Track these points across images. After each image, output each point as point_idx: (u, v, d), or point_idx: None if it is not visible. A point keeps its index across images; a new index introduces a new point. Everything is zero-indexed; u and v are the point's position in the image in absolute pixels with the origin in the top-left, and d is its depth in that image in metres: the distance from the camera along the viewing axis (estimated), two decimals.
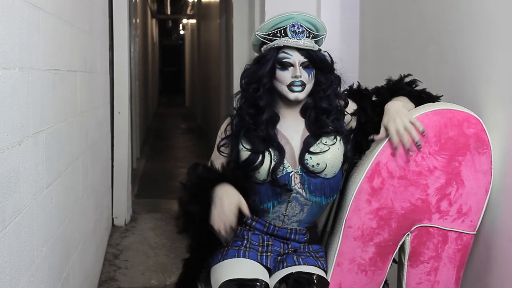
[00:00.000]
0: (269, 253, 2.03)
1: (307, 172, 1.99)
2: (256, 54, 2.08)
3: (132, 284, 3.70)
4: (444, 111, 1.93)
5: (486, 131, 1.91)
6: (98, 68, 3.80)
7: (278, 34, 1.97)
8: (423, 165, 1.91)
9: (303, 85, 1.96)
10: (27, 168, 1.91)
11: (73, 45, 2.81)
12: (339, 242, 1.99)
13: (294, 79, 1.95)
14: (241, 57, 4.92)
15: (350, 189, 1.99)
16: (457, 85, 2.15)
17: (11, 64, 1.75)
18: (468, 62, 2.07)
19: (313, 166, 1.98)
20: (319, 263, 2.02)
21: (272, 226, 2.06)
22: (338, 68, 2.05)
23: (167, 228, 4.85)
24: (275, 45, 1.97)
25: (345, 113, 2.06)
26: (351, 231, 1.98)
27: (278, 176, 1.97)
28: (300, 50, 1.96)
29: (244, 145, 2.01)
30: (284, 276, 1.95)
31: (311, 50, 1.96)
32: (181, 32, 22.88)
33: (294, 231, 2.07)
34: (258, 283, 1.90)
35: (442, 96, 2.05)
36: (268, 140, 1.98)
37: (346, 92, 2.11)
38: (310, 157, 1.98)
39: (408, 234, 1.97)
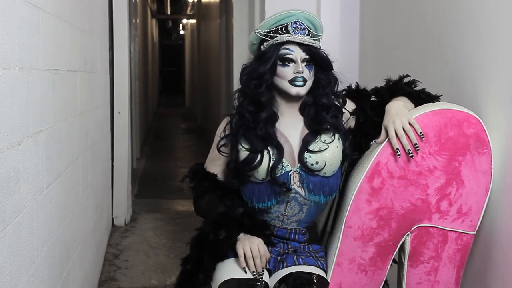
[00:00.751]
0: (269, 254, 2.02)
1: (306, 170, 1.99)
2: (251, 55, 2.08)
3: (132, 284, 3.70)
4: (444, 111, 1.93)
5: (486, 131, 1.91)
6: (98, 68, 3.80)
7: (280, 31, 1.97)
8: (423, 165, 1.91)
9: (304, 81, 1.97)
10: (27, 168, 1.91)
11: (73, 45, 2.81)
12: (339, 242, 1.99)
13: (296, 75, 1.96)
14: (241, 57, 4.92)
15: (350, 189, 1.99)
16: (457, 85, 2.15)
17: (11, 64, 1.75)
18: (468, 62, 2.07)
19: (312, 164, 1.98)
20: (319, 263, 2.02)
21: (271, 226, 2.06)
22: (336, 68, 2.05)
23: (167, 228, 4.85)
24: (277, 41, 1.97)
25: (344, 110, 2.06)
26: (351, 231, 1.98)
27: (277, 175, 1.97)
28: (301, 46, 1.96)
29: (243, 145, 2.01)
30: (284, 276, 1.95)
31: (312, 46, 1.97)
32: (181, 32, 22.88)
33: (293, 231, 2.07)
34: (258, 283, 1.90)
35: (441, 95, 2.05)
36: (267, 138, 1.98)
37: (344, 92, 2.11)
38: (309, 156, 1.98)
39: (408, 234, 1.97)
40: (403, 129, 1.89)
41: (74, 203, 2.79)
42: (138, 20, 8.47)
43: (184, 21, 19.68)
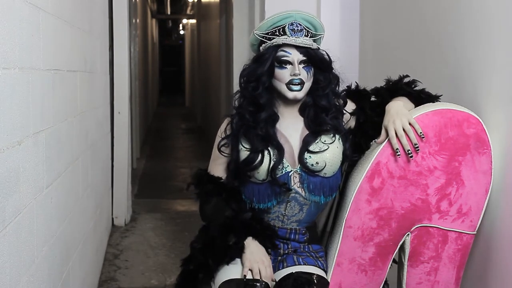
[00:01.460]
0: (269, 254, 2.02)
1: (306, 171, 1.99)
2: (254, 54, 2.08)
3: (132, 284, 3.70)
4: (444, 111, 1.93)
5: (486, 131, 1.91)
6: (98, 68, 3.80)
7: (277, 33, 1.97)
8: (423, 165, 1.91)
9: (302, 83, 1.96)
10: (27, 168, 1.91)
11: (73, 45, 2.81)
12: (339, 242, 1.99)
13: (293, 77, 1.95)
14: (241, 57, 4.92)
15: (350, 189, 1.99)
16: (457, 85, 2.15)
17: (11, 64, 1.75)
18: (468, 62, 2.07)
19: (312, 165, 1.98)
20: (319, 263, 2.02)
21: (271, 226, 2.06)
22: (337, 67, 2.05)
23: (167, 228, 4.85)
24: (274, 43, 1.97)
25: (344, 111, 2.06)
26: (351, 231, 1.98)
27: (278, 176, 1.97)
28: (298, 48, 1.96)
29: (244, 145, 2.01)
30: (284, 276, 1.95)
31: (310, 48, 1.96)
32: (181, 32, 22.87)
33: (293, 231, 2.07)
34: (258, 283, 1.90)
35: (441, 95, 2.05)
36: (267, 139, 1.98)
37: (344, 92, 2.11)
38: (310, 156, 1.98)
39: (408, 234, 1.97)
40: (403, 129, 1.89)
41: (74, 203, 2.79)
42: (138, 20, 8.47)
43: (184, 21, 19.68)
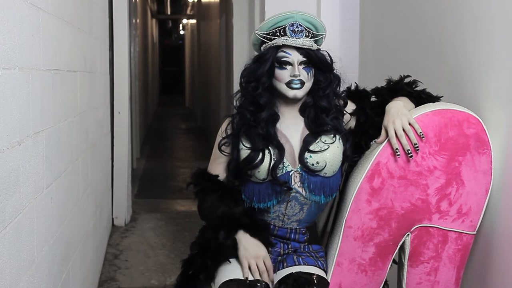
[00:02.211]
0: (269, 254, 2.02)
1: (307, 170, 1.99)
2: (257, 53, 2.08)
3: (132, 284, 3.70)
4: (444, 111, 1.93)
5: (486, 131, 1.91)
6: (98, 68, 3.80)
7: (277, 33, 1.97)
8: (423, 165, 1.91)
9: (302, 83, 1.97)
10: (27, 168, 1.91)
11: (73, 45, 2.81)
12: (339, 242, 1.99)
13: (293, 78, 1.96)
14: (241, 57, 4.92)
15: (350, 189, 1.99)
16: (457, 85, 2.15)
17: (11, 64, 1.75)
18: (468, 62, 2.08)
19: (313, 164, 1.98)
20: (319, 263, 2.02)
21: (272, 226, 2.06)
22: (338, 68, 2.05)
23: (167, 228, 4.85)
24: (274, 44, 1.97)
25: (345, 112, 2.06)
26: (351, 231, 1.98)
27: (278, 175, 1.97)
28: (299, 49, 1.96)
29: (244, 144, 2.01)
30: (284, 276, 1.95)
31: (310, 49, 1.97)
32: (181, 32, 22.88)
33: (294, 230, 2.07)
34: (258, 283, 1.90)
35: (442, 96, 2.05)
36: (268, 138, 1.99)
37: (344, 93, 2.11)
38: (310, 156, 1.98)
39: (408, 234, 1.97)
40: (403, 129, 1.89)
41: (74, 203, 2.79)
42: (138, 20, 8.47)
43: (184, 21, 19.68)
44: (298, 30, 1.96)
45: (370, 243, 1.97)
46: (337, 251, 2.00)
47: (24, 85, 1.89)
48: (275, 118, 2.03)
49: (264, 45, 2.01)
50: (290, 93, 1.97)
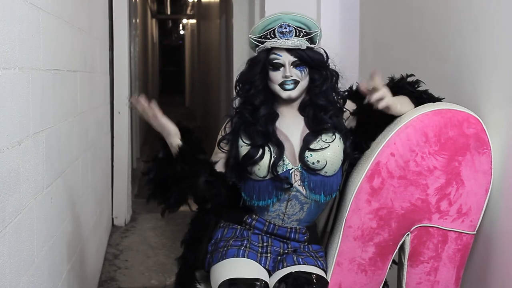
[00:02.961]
0: (268, 254, 2.03)
1: (307, 169, 1.99)
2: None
3: (132, 284, 3.70)
4: (444, 111, 1.93)
5: (486, 131, 1.91)
6: (98, 68, 3.80)
7: (268, 36, 1.99)
8: (423, 165, 1.91)
9: (296, 83, 1.97)
10: (27, 168, 1.91)
11: (73, 45, 2.81)
12: (339, 242, 1.99)
13: (285, 79, 1.97)
14: (241, 57, 4.91)
15: (350, 189, 1.99)
16: (457, 85, 2.15)
17: (11, 64, 1.75)
18: (468, 62, 2.08)
19: (313, 163, 1.98)
20: (318, 262, 2.02)
21: (272, 225, 2.06)
22: (337, 63, 2.05)
23: (167, 228, 4.85)
24: (265, 47, 1.98)
25: (344, 109, 2.07)
26: (351, 231, 1.98)
27: (279, 173, 1.98)
28: (289, 50, 1.97)
29: (244, 140, 2.02)
30: (283, 276, 1.95)
31: (299, 49, 1.97)
32: (181, 32, 22.87)
33: (294, 230, 2.07)
34: (257, 283, 1.90)
35: (444, 98, 2.04)
36: (267, 135, 1.99)
37: (346, 93, 2.12)
38: (311, 154, 1.98)
39: (408, 234, 1.97)
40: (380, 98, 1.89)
41: (74, 203, 2.79)
42: (138, 20, 8.47)
43: (184, 21, 19.68)
44: (286, 31, 1.97)
45: (370, 243, 1.97)
46: (337, 251, 2.00)
47: (24, 85, 1.89)
48: (274, 116, 2.03)
49: (257, 48, 2.03)
50: (284, 94, 1.98)
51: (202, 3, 11.61)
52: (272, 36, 1.98)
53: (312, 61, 1.99)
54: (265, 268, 1.99)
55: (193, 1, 14.16)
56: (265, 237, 2.07)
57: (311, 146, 1.99)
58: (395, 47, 2.90)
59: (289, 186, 1.99)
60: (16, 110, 1.79)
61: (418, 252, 1.98)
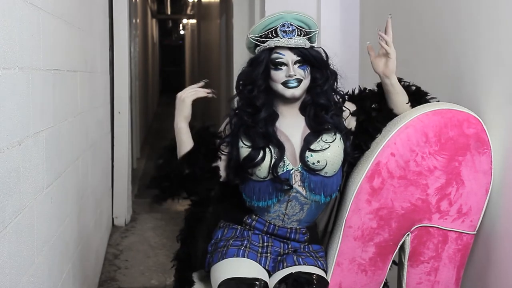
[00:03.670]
0: (268, 254, 2.03)
1: (307, 169, 1.99)
2: (252, 55, 2.09)
3: (132, 284, 3.70)
4: (444, 111, 1.93)
5: (486, 131, 1.91)
6: (98, 68, 3.80)
7: (270, 35, 1.98)
8: (423, 165, 1.91)
9: (299, 81, 1.97)
10: (27, 168, 1.91)
11: (73, 45, 2.81)
12: (339, 242, 1.99)
13: (288, 78, 1.96)
14: (241, 57, 4.91)
15: (350, 189, 1.99)
16: (457, 85, 2.15)
17: (11, 64, 1.75)
18: (468, 62, 2.08)
19: (313, 163, 1.98)
20: (319, 263, 2.02)
21: (272, 225, 2.06)
22: (335, 63, 2.05)
23: (167, 228, 4.85)
24: (267, 46, 1.98)
25: (344, 108, 2.07)
26: (351, 231, 1.98)
27: (279, 174, 1.97)
28: (292, 49, 1.97)
29: (245, 142, 2.01)
30: (284, 276, 1.95)
31: (303, 48, 1.97)
32: (181, 32, 22.87)
33: (294, 230, 2.07)
34: (257, 282, 1.90)
35: (435, 98, 2.05)
36: (267, 137, 1.99)
37: (347, 96, 2.12)
38: (311, 155, 1.98)
39: (408, 234, 1.97)
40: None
41: (74, 203, 2.79)
42: (138, 20, 8.47)
43: (184, 21, 19.68)
44: (289, 30, 1.96)
45: (370, 243, 1.97)
46: (337, 251, 2.00)
47: (24, 85, 1.89)
48: (274, 117, 2.03)
49: (258, 48, 2.01)
50: (288, 92, 1.97)
51: (202, 3, 11.61)
52: (274, 35, 1.97)
53: (315, 60, 1.99)
54: (264, 268, 1.99)
55: (193, 1, 14.16)
56: (265, 237, 2.07)
57: (312, 147, 1.99)
58: (395, 47, 2.89)
59: (289, 187, 1.99)
60: (16, 110, 1.79)
61: (418, 252, 1.98)
